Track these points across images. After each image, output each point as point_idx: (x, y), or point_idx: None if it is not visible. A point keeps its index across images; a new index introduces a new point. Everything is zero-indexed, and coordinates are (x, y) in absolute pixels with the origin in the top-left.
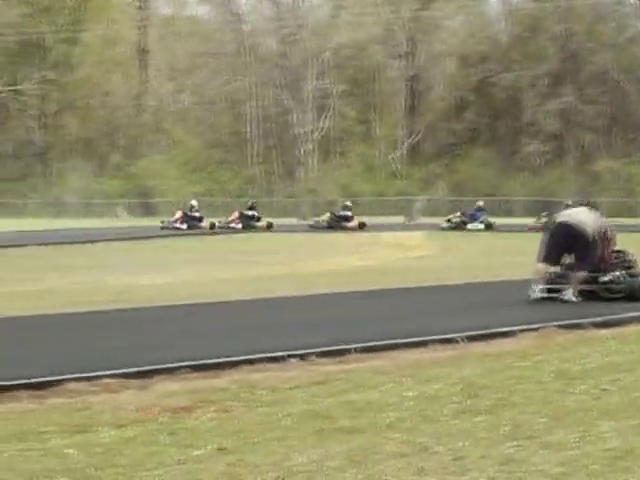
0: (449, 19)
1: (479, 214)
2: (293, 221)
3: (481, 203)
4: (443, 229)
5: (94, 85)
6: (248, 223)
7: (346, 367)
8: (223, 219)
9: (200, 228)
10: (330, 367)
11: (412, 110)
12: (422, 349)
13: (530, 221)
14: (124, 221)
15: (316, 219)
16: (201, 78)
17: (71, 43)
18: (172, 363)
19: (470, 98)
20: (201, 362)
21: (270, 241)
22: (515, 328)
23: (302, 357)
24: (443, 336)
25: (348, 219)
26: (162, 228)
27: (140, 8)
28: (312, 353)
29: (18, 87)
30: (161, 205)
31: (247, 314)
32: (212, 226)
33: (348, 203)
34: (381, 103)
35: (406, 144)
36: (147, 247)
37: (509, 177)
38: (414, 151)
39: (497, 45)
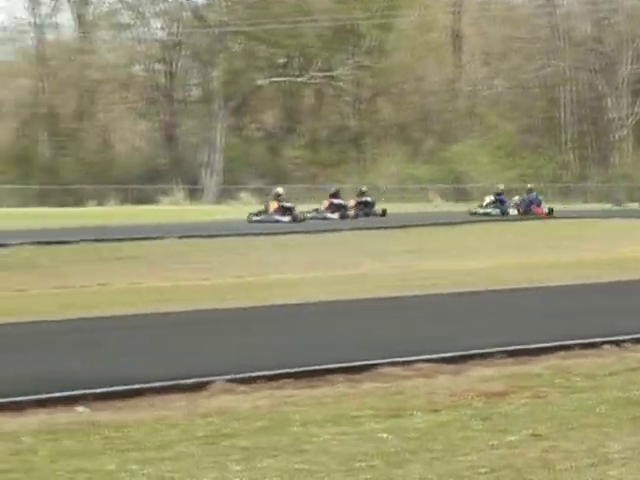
0: None
1: (502, 197)
2: (607, 207)
3: (501, 186)
4: (489, 215)
5: (408, 70)
6: (340, 212)
7: None
8: (315, 209)
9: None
10: None
11: None
12: None
13: None
14: (437, 206)
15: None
16: (515, 63)
17: (385, 29)
18: (487, 348)
19: None
20: (517, 347)
21: (562, 228)
22: None
23: (617, 344)
24: None
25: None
26: (252, 221)
27: None
28: (628, 340)
29: (333, 73)
30: (474, 190)
31: (562, 299)
32: (302, 217)
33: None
34: None
35: None
36: (457, 231)
37: None
38: None
39: None
